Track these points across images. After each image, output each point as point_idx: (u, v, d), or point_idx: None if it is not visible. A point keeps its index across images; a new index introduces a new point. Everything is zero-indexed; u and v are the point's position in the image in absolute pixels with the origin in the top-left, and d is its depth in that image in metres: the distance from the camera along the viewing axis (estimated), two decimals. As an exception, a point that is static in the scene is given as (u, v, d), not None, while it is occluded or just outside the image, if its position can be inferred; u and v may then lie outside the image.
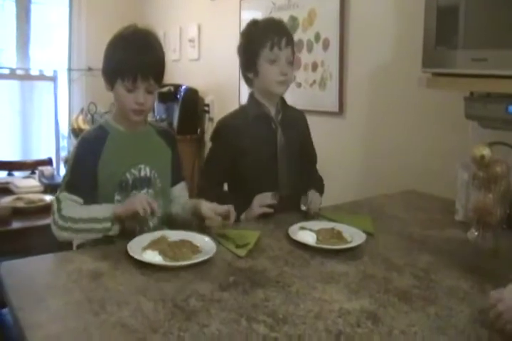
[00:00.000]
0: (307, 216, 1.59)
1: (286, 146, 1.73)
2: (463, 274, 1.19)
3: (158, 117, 3.96)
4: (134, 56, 1.38)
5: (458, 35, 1.46)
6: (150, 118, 3.87)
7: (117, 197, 1.45)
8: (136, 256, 1.16)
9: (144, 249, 1.22)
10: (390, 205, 1.85)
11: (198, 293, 1.03)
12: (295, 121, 1.82)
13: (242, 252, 1.27)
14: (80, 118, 3.74)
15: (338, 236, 1.40)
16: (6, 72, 4.17)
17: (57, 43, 4.65)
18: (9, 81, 4.25)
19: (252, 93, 1.77)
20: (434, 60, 1.51)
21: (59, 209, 1.36)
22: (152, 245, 1.23)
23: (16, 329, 0.94)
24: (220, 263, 1.22)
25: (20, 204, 2.34)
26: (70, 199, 1.39)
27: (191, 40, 4.00)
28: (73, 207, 1.38)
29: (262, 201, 1.61)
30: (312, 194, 1.64)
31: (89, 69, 4.34)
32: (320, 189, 1.80)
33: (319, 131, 2.61)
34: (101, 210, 1.36)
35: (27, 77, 4.30)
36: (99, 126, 1.52)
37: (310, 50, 2.73)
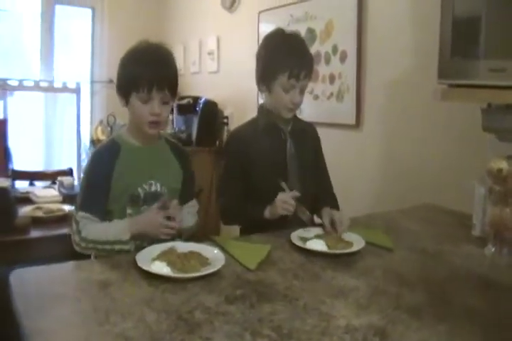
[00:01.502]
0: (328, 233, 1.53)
1: (296, 156, 1.73)
2: (478, 291, 1.16)
3: (177, 129, 3.99)
4: (148, 68, 1.39)
5: (474, 45, 1.43)
6: (169, 130, 3.92)
7: (129, 211, 1.46)
8: (145, 267, 1.16)
9: (153, 260, 1.21)
10: (405, 219, 1.81)
11: (203, 305, 1.02)
12: (305, 132, 1.81)
13: (252, 265, 1.26)
14: (99, 129, 3.80)
15: (342, 240, 1.44)
16: (31, 84, 4.26)
17: (80, 56, 4.76)
18: (33, 93, 4.35)
19: (262, 104, 1.78)
20: (450, 71, 1.48)
21: (78, 232, 1.39)
22: (161, 256, 1.23)
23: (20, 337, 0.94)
24: (229, 275, 1.20)
25: (39, 213, 2.38)
26: (86, 218, 1.41)
27: (210, 53, 4.04)
28: (91, 226, 1.40)
29: (285, 198, 1.55)
30: (338, 214, 1.57)
31: (110, 81, 4.42)
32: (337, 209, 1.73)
33: (336, 143, 2.61)
34: (118, 232, 1.37)
35: (50, 89, 4.39)
36: (111, 140, 1.52)
37: (328, 62, 2.73)
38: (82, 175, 1.50)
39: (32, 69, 4.50)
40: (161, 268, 1.17)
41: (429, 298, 1.11)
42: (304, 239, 1.46)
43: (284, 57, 1.63)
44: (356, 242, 1.43)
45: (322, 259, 1.34)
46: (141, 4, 4.83)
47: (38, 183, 3.31)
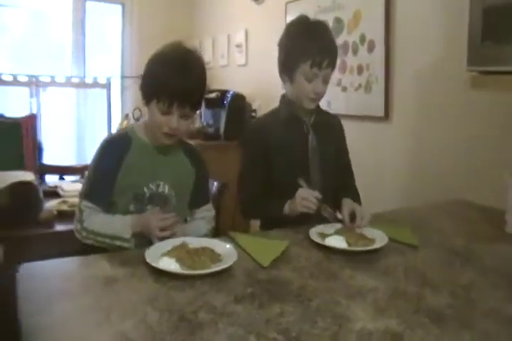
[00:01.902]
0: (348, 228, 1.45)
1: (318, 149, 1.66)
2: (509, 294, 1.06)
3: (205, 123, 3.96)
4: (172, 79, 1.31)
5: (508, 27, 1.32)
6: (197, 124, 3.90)
7: (132, 208, 1.43)
8: (153, 263, 1.12)
9: (162, 256, 1.17)
10: (434, 215, 1.72)
11: (209, 304, 0.96)
12: (329, 125, 1.74)
13: (265, 262, 1.20)
14: (125, 123, 3.81)
15: (363, 236, 1.37)
16: (62, 79, 4.33)
17: (110, 51, 4.79)
18: (65, 88, 4.41)
19: (284, 94, 1.71)
20: (481, 57, 1.37)
21: (81, 221, 1.38)
22: (171, 252, 1.18)
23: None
24: (241, 273, 1.15)
25: (64, 207, 2.38)
26: (90, 207, 1.39)
27: (238, 46, 3.99)
28: (95, 217, 1.38)
29: (305, 194, 1.48)
30: (359, 208, 1.49)
31: (140, 76, 4.43)
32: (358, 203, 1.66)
33: (365, 136, 2.52)
34: (120, 229, 1.34)
35: (82, 84, 4.44)
36: (123, 132, 1.49)
37: (355, 52, 2.63)
38: (89, 164, 1.46)
39: (64, 66, 4.56)
40: (170, 264, 1.13)
41: (453, 300, 1.02)
42: (324, 235, 1.39)
43: (306, 44, 1.56)
44: (379, 239, 1.36)
45: (341, 257, 1.27)
46: (170, -1, 4.82)
47: (69, 177, 3.35)
